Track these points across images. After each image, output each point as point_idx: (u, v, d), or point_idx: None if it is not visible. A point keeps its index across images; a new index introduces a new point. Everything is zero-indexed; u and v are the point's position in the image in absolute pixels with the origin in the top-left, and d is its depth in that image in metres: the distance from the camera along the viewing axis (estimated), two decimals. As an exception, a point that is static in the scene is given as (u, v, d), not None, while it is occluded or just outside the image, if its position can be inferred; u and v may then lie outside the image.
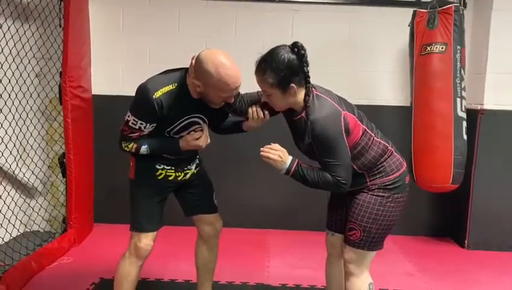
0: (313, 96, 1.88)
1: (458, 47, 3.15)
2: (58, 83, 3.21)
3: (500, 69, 3.44)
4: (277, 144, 1.93)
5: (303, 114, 1.87)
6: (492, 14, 3.41)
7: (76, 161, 3.25)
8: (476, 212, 3.56)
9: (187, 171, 2.21)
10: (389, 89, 3.75)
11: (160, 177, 2.13)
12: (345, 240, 2.02)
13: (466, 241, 3.59)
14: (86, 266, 2.99)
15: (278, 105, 1.93)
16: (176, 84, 1.96)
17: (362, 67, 3.74)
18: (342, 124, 1.84)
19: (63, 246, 3.19)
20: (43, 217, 3.41)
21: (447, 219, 3.80)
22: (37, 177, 3.36)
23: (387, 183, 1.94)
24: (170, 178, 2.15)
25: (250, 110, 2.05)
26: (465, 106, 3.21)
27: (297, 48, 1.82)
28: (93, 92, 3.58)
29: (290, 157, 1.91)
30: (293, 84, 1.82)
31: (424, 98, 3.20)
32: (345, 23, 3.72)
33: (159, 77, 2.01)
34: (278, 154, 1.89)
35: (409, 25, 3.31)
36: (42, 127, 3.39)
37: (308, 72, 1.84)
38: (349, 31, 3.72)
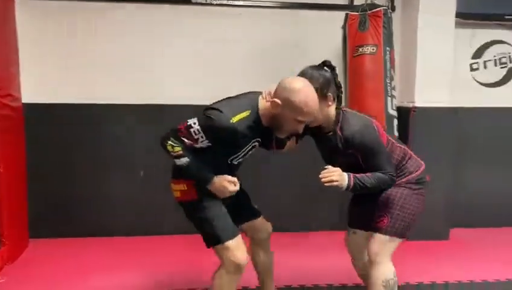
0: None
1: (387, 48, 3.30)
2: (-16, 93, 3.02)
3: (428, 68, 3.61)
4: (329, 166, 2.02)
5: (337, 128, 2.04)
6: (418, 17, 3.58)
7: (7, 175, 3.06)
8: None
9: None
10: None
11: None
12: (372, 229, 2.15)
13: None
14: (21, 286, 2.82)
15: (315, 118, 2.02)
16: (250, 111, 1.98)
17: (300, 69, 3.80)
18: (375, 129, 2.06)
19: (-4, 265, 3.01)
20: (-28, 236, 3.19)
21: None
22: (-37, 193, 3.14)
23: (413, 181, 2.15)
24: None
25: (288, 143, 2.24)
26: (395, 105, 3.37)
27: (326, 65, 2.06)
28: (23, 101, 3.41)
29: (345, 174, 2.02)
30: (329, 93, 2.01)
31: (357, 97, 3.32)
32: (284, 26, 3.77)
33: (233, 102, 2.02)
34: (338, 174, 2.00)
35: (342, 28, 3.43)
36: (-32, 139, 3.18)
37: (340, 83, 2.07)
38: (289, 34, 3.77)
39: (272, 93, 1.98)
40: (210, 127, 1.94)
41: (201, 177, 2.05)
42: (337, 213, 3.81)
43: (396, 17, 3.61)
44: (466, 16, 3.74)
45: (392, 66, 3.34)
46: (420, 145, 3.64)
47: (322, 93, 1.98)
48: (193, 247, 3.46)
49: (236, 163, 2.13)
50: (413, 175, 2.15)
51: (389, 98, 3.28)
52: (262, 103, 2.01)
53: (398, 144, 2.18)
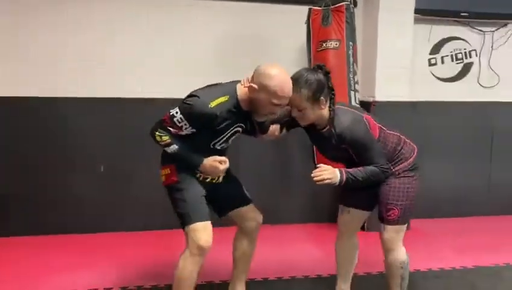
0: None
1: (350, 43, 3.35)
2: None
3: (388, 63, 3.69)
4: (321, 164, 2.14)
5: (328, 126, 2.13)
6: (379, 14, 3.65)
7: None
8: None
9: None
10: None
11: (200, 179, 2.22)
12: (383, 221, 2.28)
13: (365, 224, 3.82)
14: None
15: (307, 118, 2.15)
16: (228, 96, 2.08)
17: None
18: (366, 124, 2.15)
19: None
20: None
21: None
22: None
23: (409, 167, 2.25)
24: (207, 180, 2.24)
25: (271, 127, 2.30)
26: (358, 99, 3.43)
27: (320, 68, 2.14)
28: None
29: (337, 169, 2.12)
30: (322, 97, 2.09)
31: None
32: (245, 19, 3.75)
33: (212, 89, 2.13)
34: (330, 171, 2.11)
35: (305, 23, 3.45)
36: None
37: (332, 86, 2.13)
38: (250, 27, 3.76)
39: (249, 79, 2.10)
40: (190, 113, 2.06)
41: (192, 161, 2.16)
42: (309, 206, 3.88)
43: (357, 12, 3.66)
44: (424, 12, 3.84)
45: (355, 61, 3.39)
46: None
47: (314, 98, 2.08)
48: (154, 243, 3.45)
49: (219, 148, 2.21)
50: (409, 161, 2.26)
51: (352, 92, 3.33)
52: (241, 89, 2.12)
53: (391, 131, 2.26)
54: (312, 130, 2.26)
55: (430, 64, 4.13)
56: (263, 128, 2.29)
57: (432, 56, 4.12)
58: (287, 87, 2.04)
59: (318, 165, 2.14)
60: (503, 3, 4.02)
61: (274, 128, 2.32)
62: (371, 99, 3.73)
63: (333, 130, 2.13)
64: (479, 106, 4.18)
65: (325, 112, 2.15)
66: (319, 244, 3.48)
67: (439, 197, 4.16)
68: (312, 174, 2.11)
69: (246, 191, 2.43)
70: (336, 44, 3.31)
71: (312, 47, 3.41)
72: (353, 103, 3.34)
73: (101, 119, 3.60)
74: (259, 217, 2.44)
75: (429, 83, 4.12)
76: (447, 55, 4.13)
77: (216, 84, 2.18)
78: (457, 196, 4.20)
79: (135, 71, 3.62)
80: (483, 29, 4.12)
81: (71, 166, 3.60)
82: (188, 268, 2.14)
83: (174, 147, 2.12)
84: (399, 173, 2.24)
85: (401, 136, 2.29)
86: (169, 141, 2.12)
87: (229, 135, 2.18)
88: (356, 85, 3.39)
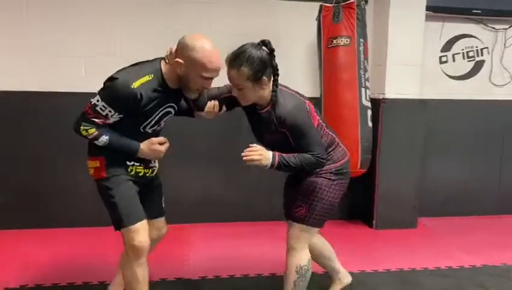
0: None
1: (361, 40, 3.34)
2: None
3: (398, 60, 3.67)
4: (254, 144, 2.02)
5: (269, 107, 2.02)
6: (390, 10, 3.63)
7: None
8: (382, 194, 3.80)
9: (153, 167, 2.19)
10: (301, 81, 3.84)
11: (132, 173, 2.08)
12: (291, 217, 2.16)
13: (374, 222, 3.83)
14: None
15: (248, 98, 2.03)
16: (152, 75, 1.94)
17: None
18: (308, 110, 2.04)
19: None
20: None
21: (356, 202, 3.98)
22: None
23: (334, 170, 2.12)
24: (140, 174, 2.11)
25: (209, 103, 2.14)
26: (369, 96, 3.42)
27: (265, 45, 1.99)
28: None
29: (270, 152, 2.02)
30: (264, 77, 1.97)
31: (332, 89, 3.36)
32: (259, 16, 3.75)
33: (133, 69, 1.97)
34: (259, 153, 1.99)
35: (316, 19, 3.44)
36: None
37: (276, 65, 2.00)
38: (264, 24, 3.74)
39: (173, 54, 1.96)
40: (112, 98, 1.91)
41: (127, 149, 2.01)
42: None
43: (368, 9, 3.64)
44: (436, 9, 3.82)
45: (366, 58, 3.39)
46: (390, 136, 3.74)
47: (256, 77, 1.96)
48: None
49: (150, 131, 2.07)
50: (336, 164, 2.14)
51: (363, 89, 3.33)
52: (166, 67, 1.98)
53: (328, 131, 2.17)
54: (251, 111, 2.13)
55: (441, 62, 4.10)
56: (200, 104, 2.15)
57: (443, 54, 4.09)
58: (215, 56, 1.91)
59: (251, 145, 2.01)
60: (516, 1, 3.99)
61: (212, 104, 2.15)
62: (381, 97, 3.72)
63: (273, 112, 2.01)
64: (490, 104, 4.15)
65: (267, 92, 2.03)
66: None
67: (448, 195, 4.15)
68: (242, 153, 1.99)
69: (163, 203, 2.30)
70: (347, 41, 3.30)
71: (323, 43, 3.41)
72: (363, 100, 3.33)
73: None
74: (164, 230, 2.32)
75: (440, 80, 4.09)
76: (459, 53, 4.10)
77: (136, 64, 2.01)
78: (466, 195, 4.18)
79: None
80: (496, 26, 4.08)
81: (73, 159, 3.62)
82: (129, 270, 2.04)
83: (104, 138, 1.96)
84: (320, 173, 2.11)
85: (336, 139, 2.20)
86: (96, 133, 1.95)
87: (158, 116, 2.03)
88: (367, 82, 3.39)
